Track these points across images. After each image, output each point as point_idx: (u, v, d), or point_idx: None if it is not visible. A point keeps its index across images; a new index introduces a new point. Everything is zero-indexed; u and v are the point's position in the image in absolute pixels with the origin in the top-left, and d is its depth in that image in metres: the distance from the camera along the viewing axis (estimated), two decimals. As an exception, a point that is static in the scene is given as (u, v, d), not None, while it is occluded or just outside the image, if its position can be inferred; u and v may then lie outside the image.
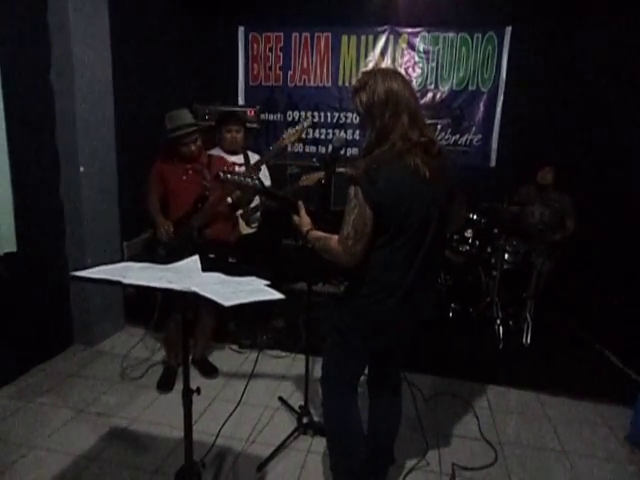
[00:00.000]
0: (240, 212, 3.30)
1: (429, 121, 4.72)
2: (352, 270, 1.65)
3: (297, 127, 3.03)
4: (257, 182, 2.02)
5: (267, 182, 3.51)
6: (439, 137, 4.74)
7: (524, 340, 3.56)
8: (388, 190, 1.51)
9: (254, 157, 3.47)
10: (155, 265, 1.58)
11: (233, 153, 3.38)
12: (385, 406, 1.99)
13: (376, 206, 1.52)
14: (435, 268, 1.79)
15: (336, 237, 1.61)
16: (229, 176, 2.04)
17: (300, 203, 1.89)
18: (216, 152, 3.32)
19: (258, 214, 3.47)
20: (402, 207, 1.54)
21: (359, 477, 1.85)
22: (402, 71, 4.68)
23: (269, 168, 3.50)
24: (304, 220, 1.83)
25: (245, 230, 3.38)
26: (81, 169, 3.08)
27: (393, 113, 1.55)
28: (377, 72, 1.62)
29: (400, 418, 2.02)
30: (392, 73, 1.62)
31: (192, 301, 1.38)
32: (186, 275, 1.50)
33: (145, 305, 3.06)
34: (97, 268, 1.47)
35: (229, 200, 2.86)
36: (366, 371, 1.97)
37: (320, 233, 1.75)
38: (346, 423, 1.85)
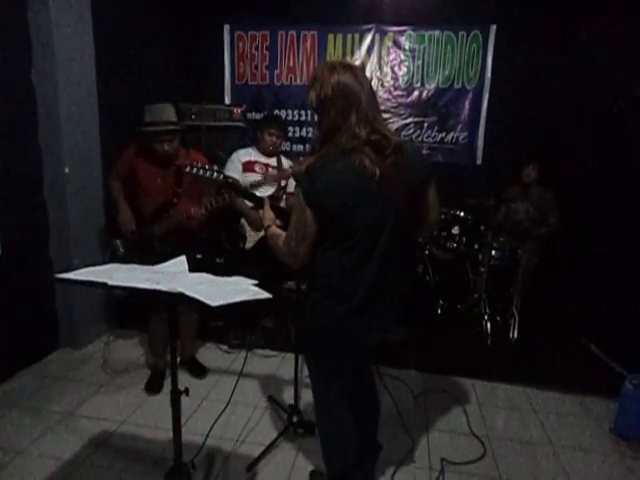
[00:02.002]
0: None
1: (415, 119, 4.76)
2: (306, 274, 1.63)
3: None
4: (221, 176, 2.02)
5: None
6: (426, 135, 4.78)
7: (511, 335, 3.60)
8: (328, 191, 1.44)
9: (286, 161, 3.55)
10: (141, 266, 1.58)
11: (269, 155, 3.43)
12: (363, 405, 1.99)
13: (315, 207, 1.46)
14: (397, 277, 1.63)
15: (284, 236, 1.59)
16: (194, 170, 2.02)
17: (265, 199, 1.87)
18: (252, 150, 3.43)
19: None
20: (345, 209, 1.46)
21: (351, 470, 1.87)
22: (388, 69, 4.71)
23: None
24: (267, 215, 1.82)
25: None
26: (66, 170, 3.04)
27: (341, 109, 1.46)
28: (325, 66, 1.53)
29: (378, 408, 2.04)
30: (341, 66, 1.51)
31: (178, 302, 1.37)
32: (173, 276, 1.49)
33: (134, 306, 3.05)
34: (83, 270, 1.46)
35: (203, 211, 2.64)
36: None
37: (276, 230, 1.72)
38: (337, 423, 1.85)
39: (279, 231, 1.70)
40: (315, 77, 1.53)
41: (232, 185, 2.13)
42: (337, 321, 1.58)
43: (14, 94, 2.81)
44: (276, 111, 4.93)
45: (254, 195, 2.06)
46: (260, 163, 3.41)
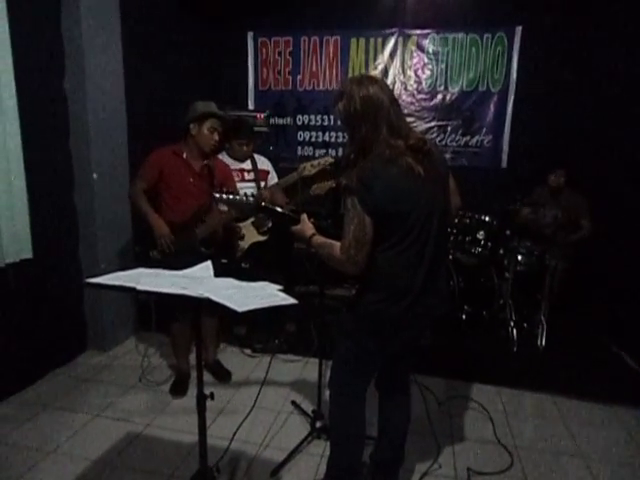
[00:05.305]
0: (252, 220, 3.31)
1: (439, 123, 4.72)
2: (362, 275, 1.63)
3: (316, 161, 2.93)
4: (251, 200, 1.97)
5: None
6: (449, 139, 4.73)
7: (539, 342, 3.52)
8: (386, 195, 1.52)
9: (261, 160, 3.47)
10: (168, 271, 1.60)
11: (242, 160, 3.39)
12: (395, 407, 1.98)
13: (375, 213, 1.52)
14: (442, 263, 1.78)
15: (339, 244, 1.60)
16: (224, 196, 1.99)
17: (303, 216, 1.85)
18: (222, 157, 3.30)
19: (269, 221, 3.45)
20: (403, 209, 1.55)
21: (354, 477, 1.87)
22: (411, 73, 4.69)
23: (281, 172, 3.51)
24: (306, 226, 1.81)
25: (256, 237, 3.36)
26: (94, 176, 3.12)
27: (371, 125, 1.56)
28: (353, 81, 1.62)
29: (409, 419, 2.01)
30: (367, 80, 1.61)
31: (205, 307, 1.39)
32: (199, 281, 1.51)
33: (158, 310, 3.09)
34: (111, 274, 1.49)
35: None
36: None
37: (324, 239, 1.73)
38: (353, 426, 1.85)
39: (328, 240, 1.70)
40: (343, 91, 1.61)
41: (267, 208, 2.02)
42: (400, 314, 1.62)
43: (47, 101, 2.89)
44: (299, 116, 4.96)
45: (288, 215, 1.95)
46: (235, 170, 3.28)
